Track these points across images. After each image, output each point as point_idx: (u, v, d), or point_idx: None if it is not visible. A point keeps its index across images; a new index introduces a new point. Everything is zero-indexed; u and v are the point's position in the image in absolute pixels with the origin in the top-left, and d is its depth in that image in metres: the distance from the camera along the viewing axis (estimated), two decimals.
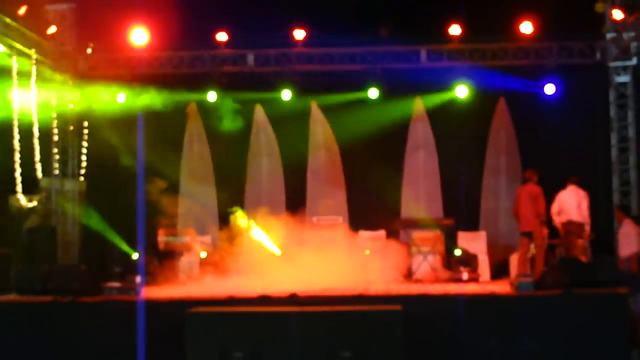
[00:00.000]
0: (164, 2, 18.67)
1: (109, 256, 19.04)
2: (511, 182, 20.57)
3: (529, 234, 17.87)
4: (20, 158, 19.59)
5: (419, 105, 21.70)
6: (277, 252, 19.00)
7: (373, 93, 21.00)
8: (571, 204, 18.22)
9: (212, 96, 21.20)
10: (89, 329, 13.39)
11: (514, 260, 18.73)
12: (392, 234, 19.73)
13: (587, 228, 18.36)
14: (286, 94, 21.11)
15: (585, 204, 18.21)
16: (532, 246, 17.99)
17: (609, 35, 20.15)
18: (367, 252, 18.45)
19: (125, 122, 20.08)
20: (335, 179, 21.42)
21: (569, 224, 18.22)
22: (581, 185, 18.46)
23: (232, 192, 21.22)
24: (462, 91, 20.89)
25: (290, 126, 21.48)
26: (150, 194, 18.44)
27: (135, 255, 18.14)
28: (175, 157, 21.72)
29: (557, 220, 18.30)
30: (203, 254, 19.42)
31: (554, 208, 18.24)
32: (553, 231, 18.72)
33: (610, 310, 13.08)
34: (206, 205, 21.46)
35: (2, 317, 13.75)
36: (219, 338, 12.37)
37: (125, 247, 18.48)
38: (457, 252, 19.10)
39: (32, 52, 19.66)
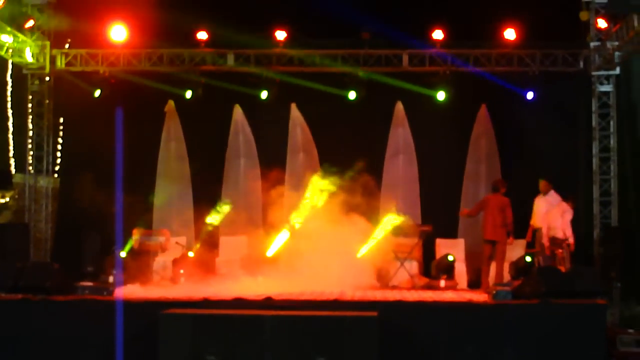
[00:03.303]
0: None
1: (82, 255, 19.04)
2: (490, 190, 20.60)
3: (493, 242, 18.10)
4: None
5: (399, 109, 21.70)
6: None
7: (352, 95, 20.97)
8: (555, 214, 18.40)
9: (189, 94, 21.16)
10: (60, 328, 13.33)
11: (492, 268, 18.75)
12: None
13: (571, 241, 18.44)
14: (264, 94, 21.06)
15: (568, 216, 18.34)
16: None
17: (592, 44, 20.27)
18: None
19: (101, 119, 20.07)
20: (313, 183, 21.34)
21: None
22: (561, 194, 18.65)
23: (208, 193, 21.14)
24: (442, 96, 20.85)
25: (270, 128, 21.45)
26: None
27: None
28: (151, 156, 21.65)
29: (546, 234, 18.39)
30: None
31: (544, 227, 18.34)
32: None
33: (588, 321, 13.15)
34: (182, 205, 21.42)
35: None
36: (193, 340, 12.36)
37: None
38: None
39: (8, 46, 19.61)
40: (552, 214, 18.38)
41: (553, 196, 18.71)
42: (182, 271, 18.76)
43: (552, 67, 20.75)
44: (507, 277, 18.30)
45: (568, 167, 20.71)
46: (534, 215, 19.01)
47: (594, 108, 20.65)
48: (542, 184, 18.78)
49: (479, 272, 18.91)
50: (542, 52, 20.72)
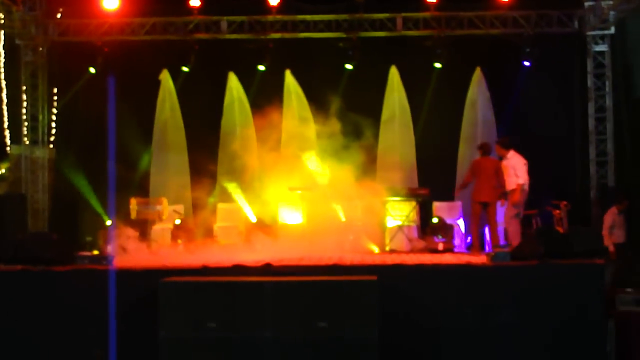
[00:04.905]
0: None
1: (80, 225, 19.07)
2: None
3: (486, 204, 17.97)
4: None
5: (394, 74, 21.68)
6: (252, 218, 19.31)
7: (348, 66, 21.01)
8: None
9: (186, 69, 21.17)
10: (60, 298, 13.32)
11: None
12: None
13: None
14: (261, 67, 21.09)
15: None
16: None
17: (587, 4, 20.24)
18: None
19: (96, 88, 20.01)
20: (309, 149, 21.31)
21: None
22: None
23: (204, 161, 21.10)
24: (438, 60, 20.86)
25: (265, 94, 21.36)
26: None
27: (108, 222, 18.24)
28: (147, 125, 21.63)
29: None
30: (177, 222, 19.46)
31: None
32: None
33: (587, 281, 13.15)
34: (178, 174, 21.42)
35: None
36: (193, 308, 12.34)
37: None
38: (434, 220, 19.21)
39: (0, 17, 19.53)
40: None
41: (514, 158, 18.14)
42: (180, 241, 18.81)
43: (547, 28, 20.72)
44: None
45: (564, 128, 20.70)
46: None
47: (589, 68, 20.68)
48: (495, 148, 18.29)
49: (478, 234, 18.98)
50: (537, 13, 20.70)
